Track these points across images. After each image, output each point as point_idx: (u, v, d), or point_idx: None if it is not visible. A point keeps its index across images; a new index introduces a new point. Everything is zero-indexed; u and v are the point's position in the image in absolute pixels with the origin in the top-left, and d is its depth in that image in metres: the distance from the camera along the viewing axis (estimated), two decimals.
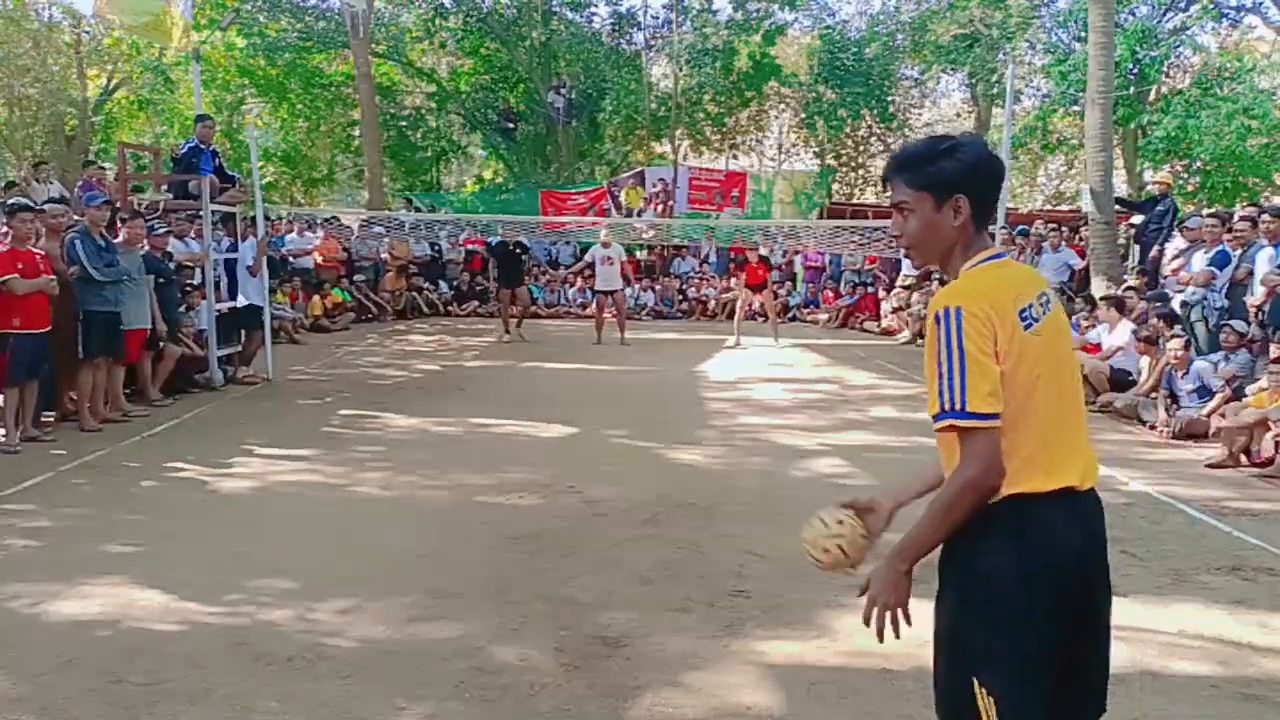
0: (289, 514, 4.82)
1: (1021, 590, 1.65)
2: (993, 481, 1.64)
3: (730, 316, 13.20)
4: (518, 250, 12.33)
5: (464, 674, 3.06)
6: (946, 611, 1.73)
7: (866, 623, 1.75)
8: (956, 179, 1.74)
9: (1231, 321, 7.31)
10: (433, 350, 11.64)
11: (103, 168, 12.65)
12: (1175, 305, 8.34)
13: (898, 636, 1.76)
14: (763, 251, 13.41)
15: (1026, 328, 1.67)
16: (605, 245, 12.14)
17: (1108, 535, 1.81)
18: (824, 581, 3.93)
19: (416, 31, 21.31)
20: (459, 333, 13.19)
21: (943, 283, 2.38)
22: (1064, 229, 11.91)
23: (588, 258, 12.75)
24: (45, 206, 7.00)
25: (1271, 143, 13.69)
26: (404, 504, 5.03)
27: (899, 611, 1.75)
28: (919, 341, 12.62)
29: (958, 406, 1.62)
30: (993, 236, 12.61)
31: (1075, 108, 15.21)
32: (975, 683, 1.67)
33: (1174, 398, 7.22)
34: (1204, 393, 7.01)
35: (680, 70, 19.60)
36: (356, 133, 21.63)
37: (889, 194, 1.85)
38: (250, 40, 19.85)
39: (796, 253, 16.85)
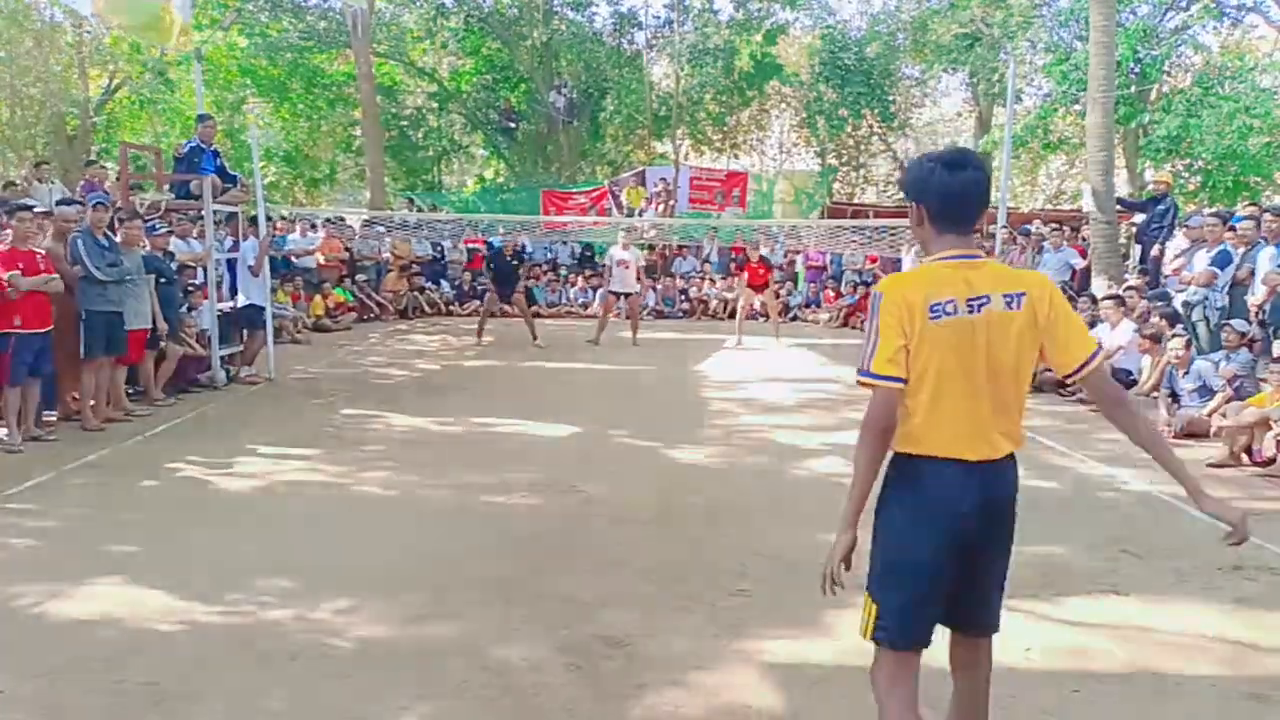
0: (291, 513, 4.82)
1: (902, 528, 2.10)
2: (882, 425, 2.04)
3: (732, 316, 13.20)
4: (515, 261, 12.06)
5: (466, 673, 3.07)
6: (881, 531, 2.17)
7: (834, 582, 2.15)
8: (911, 190, 2.15)
9: (1233, 321, 7.31)
10: (434, 350, 11.64)
11: (104, 167, 12.66)
12: (1177, 304, 8.34)
13: (837, 588, 2.13)
14: (764, 251, 13.36)
15: (934, 319, 2.01)
16: (624, 248, 11.96)
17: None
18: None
19: (418, 31, 21.33)
20: (461, 332, 13.17)
21: None
22: (1065, 228, 11.89)
23: (605, 259, 12.57)
24: (57, 209, 7.00)
25: (1273, 141, 13.67)
26: (405, 503, 5.03)
27: (839, 565, 2.12)
28: None
29: (866, 367, 2.04)
30: (993, 236, 12.70)
31: (1076, 107, 15.19)
32: (867, 593, 2.17)
33: (1175, 397, 7.22)
34: (1205, 392, 7.01)
35: (681, 70, 19.60)
36: (358, 132, 21.64)
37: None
38: (252, 40, 19.86)
39: (797, 252, 16.85)
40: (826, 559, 2.13)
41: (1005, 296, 2.05)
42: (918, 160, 2.18)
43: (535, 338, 11.48)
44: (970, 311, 2.02)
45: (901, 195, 18.80)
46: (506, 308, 12.29)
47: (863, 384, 2.06)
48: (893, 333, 2.01)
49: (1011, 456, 2.13)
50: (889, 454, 2.10)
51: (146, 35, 10.16)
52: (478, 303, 15.33)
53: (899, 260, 14.60)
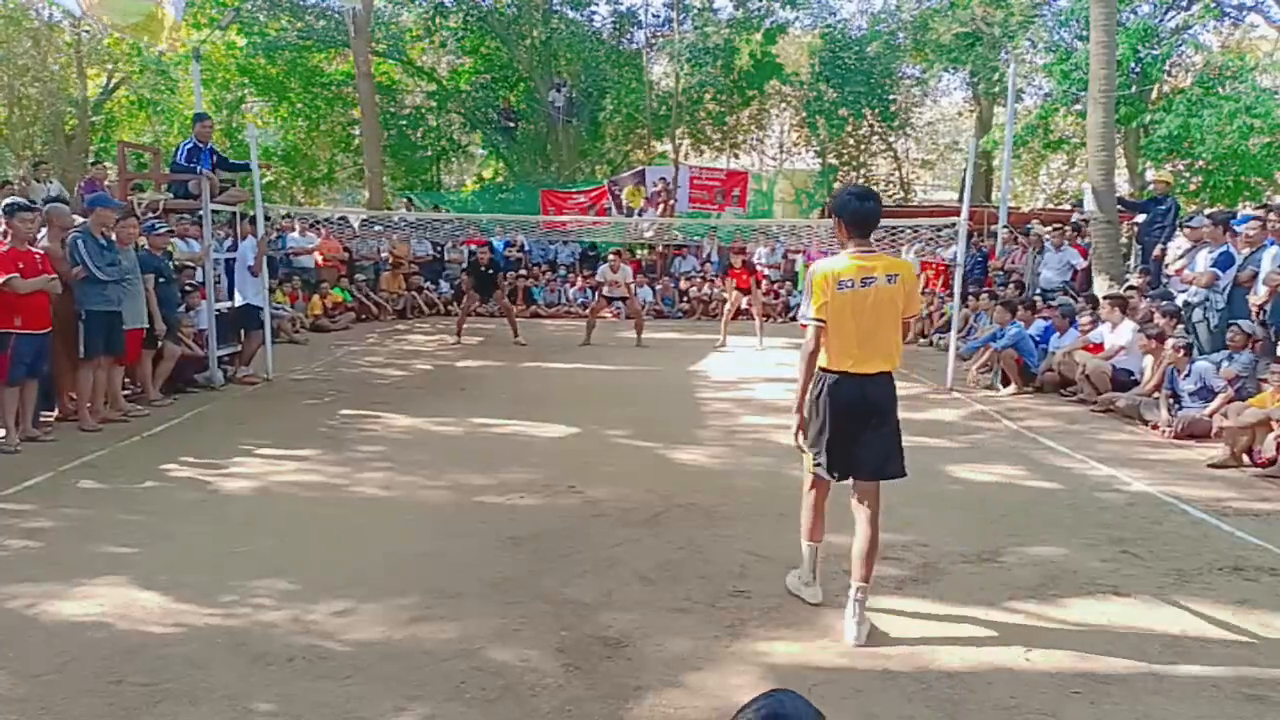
0: (289, 514, 4.81)
1: (820, 410, 3.45)
2: (813, 348, 3.42)
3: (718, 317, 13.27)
4: (490, 270, 12.37)
5: (464, 674, 3.06)
6: (809, 418, 3.51)
7: (799, 446, 3.56)
8: (837, 212, 3.53)
9: (1238, 321, 7.29)
10: (433, 350, 11.63)
11: (106, 167, 12.65)
12: (1178, 305, 8.32)
13: (812, 452, 3.50)
14: (748, 258, 13.48)
15: (839, 289, 3.36)
16: (614, 270, 12.27)
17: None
18: (825, 581, 3.93)
19: (416, 30, 21.30)
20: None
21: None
22: (1066, 228, 11.88)
23: (598, 277, 12.85)
24: (47, 207, 6.99)
25: (1273, 142, 13.64)
26: (404, 504, 5.02)
27: (797, 435, 3.54)
28: (920, 341, 12.62)
29: (806, 313, 3.44)
30: (994, 235, 12.68)
31: (1077, 106, 15.17)
32: (809, 451, 3.53)
33: (1176, 398, 7.21)
34: (1206, 393, 6.99)
35: (681, 69, 19.58)
36: (356, 132, 21.61)
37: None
38: (250, 39, 19.84)
39: (798, 252, 16.83)
40: (794, 430, 3.55)
41: (888, 276, 3.39)
42: (841, 192, 3.62)
43: (516, 334, 11.85)
44: (863, 285, 3.36)
45: (900, 195, 18.94)
46: (483, 308, 12.78)
47: (803, 325, 3.44)
48: (819, 294, 3.38)
49: (887, 373, 3.43)
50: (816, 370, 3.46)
51: (138, 34, 10.14)
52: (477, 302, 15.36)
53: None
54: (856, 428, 3.39)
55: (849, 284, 3.34)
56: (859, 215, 3.45)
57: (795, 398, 3.50)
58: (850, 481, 3.50)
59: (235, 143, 20.16)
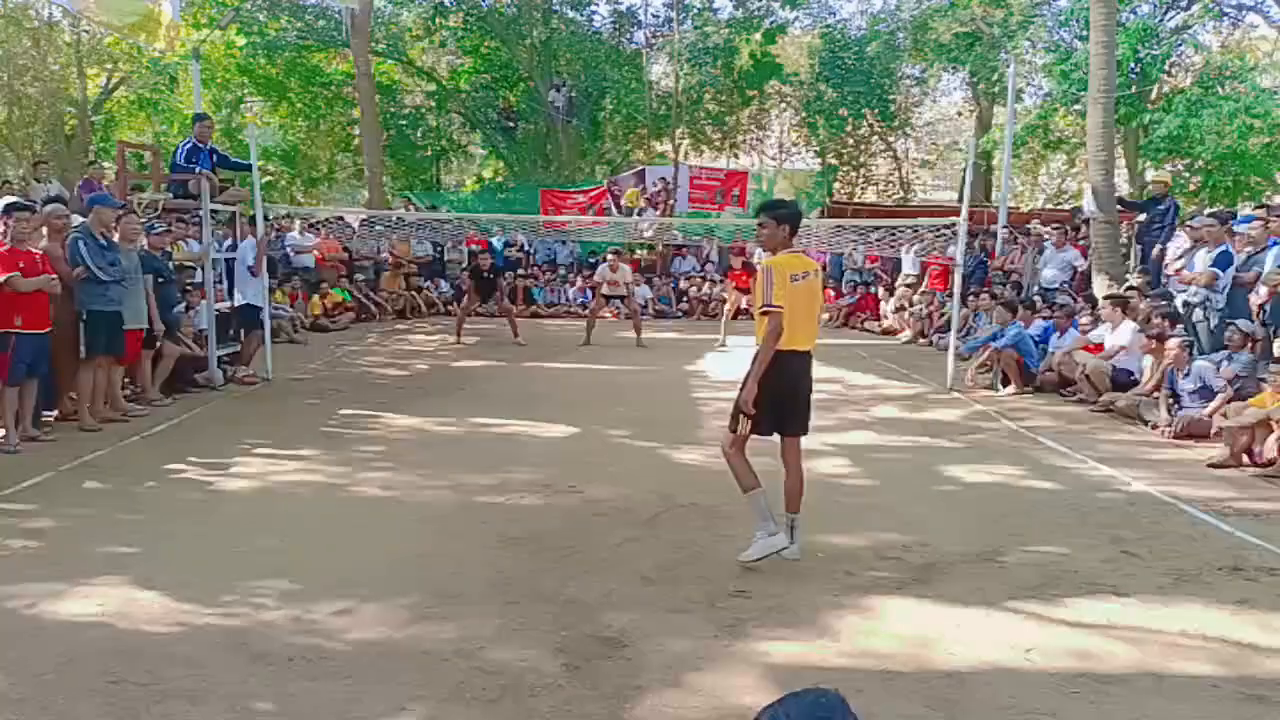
0: (289, 514, 4.81)
1: (772, 382, 4.02)
2: (779, 332, 3.95)
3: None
4: (489, 274, 12.47)
5: (464, 674, 3.06)
6: (745, 383, 4.09)
7: (740, 410, 4.07)
8: (784, 218, 4.17)
9: (1237, 321, 7.29)
10: (433, 350, 11.63)
11: (103, 167, 12.64)
12: (1177, 305, 8.33)
13: (750, 420, 4.06)
14: (748, 259, 13.52)
15: (793, 281, 4.00)
16: (613, 269, 12.31)
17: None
18: (824, 581, 3.93)
19: (416, 30, 21.29)
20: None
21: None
22: (1066, 228, 11.88)
23: (596, 276, 12.90)
24: (47, 208, 6.98)
25: (1273, 142, 13.64)
26: (404, 504, 5.02)
27: (750, 405, 4.02)
28: (920, 341, 12.62)
29: (769, 300, 3.97)
30: (994, 235, 12.67)
31: (1077, 107, 15.17)
32: (741, 416, 4.09)
33: (1176, 397, 7.21)
34: (1205, 393, 6.99)
35: (681, 69, 19.58)
36: (356, 132, 21.59)
37: (760, 220, 4.25)
38: (250, 39, 19.83)
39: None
40: (742, 401, 4.05)
41: (814, 271, 4.19)
42: (791, 204, 4.62)
43: (516, 335, 11.89)
44: (804, 278, 4.08)
45: (900, 195, 18.91)
46: (482, 309, 12.88)
47: (767, 311, 3.98)
48: (779, 286, 3.96)
49: (810, 350, 4.19)
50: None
51: (134, 33, 10.13)
52: (478, 302, 15.38)
53: (900, 260, 14.59)
54: (794, 395, 4.15)
55: (798, 277, 4.02)
56: (799, 221, 4.29)
57: (754, 371, 4.00)
58: (767, 437, 4.24)
59: (235, 143, 20.13)
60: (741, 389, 4.09)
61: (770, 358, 3.95)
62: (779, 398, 4.04)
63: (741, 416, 4.03)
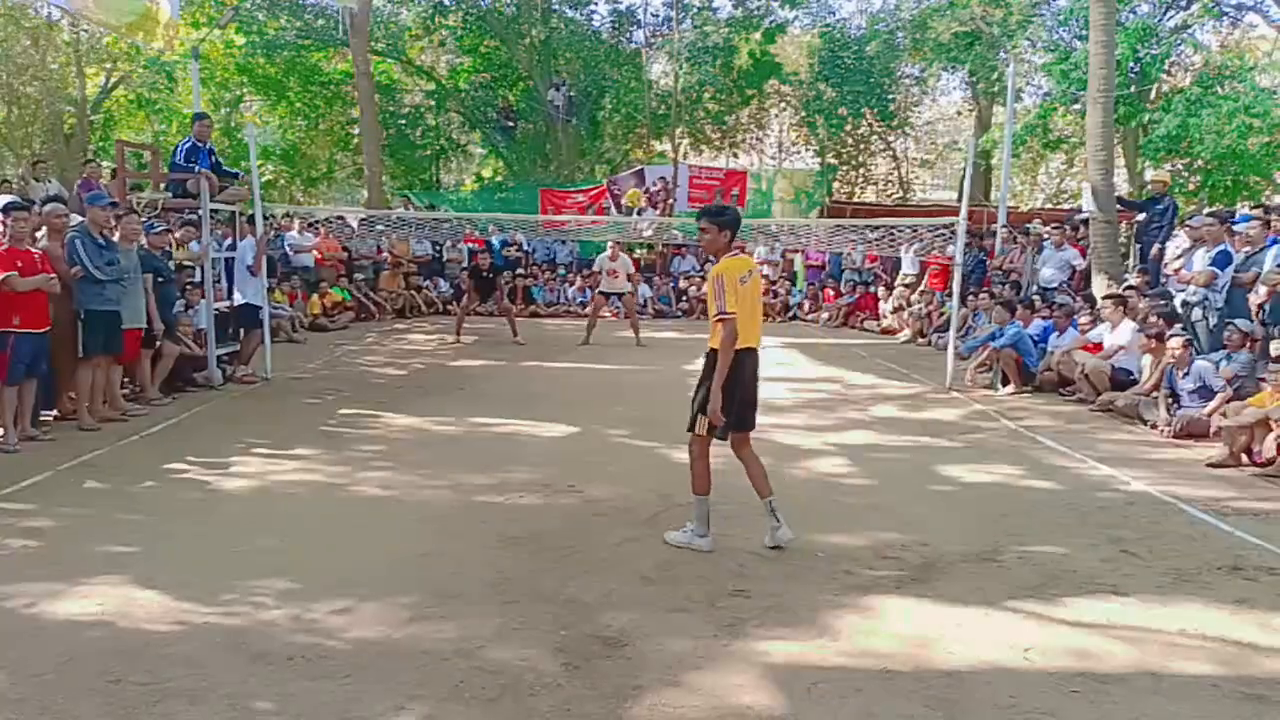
0: (288, 513, 4.81)
1: (736, 383, 4.18)
2: (734, 337, 4.09)
3: None
4: (489, 274, 12.51)
5: (464, 674, 3.06)
6: (705, 386, 4.21)
7: (710, 422, 4.18)
8: (726, 224, 4.28)
9: (1236, 321, 7.30)
10: (432, 349, 11.62)
11: (100, 165, 12.62)
12: (1176, 304, 8.33)
13: (717, 427, 4.19)
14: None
15: (741, 283, 4.14)
16: (613, 258, 12.31)
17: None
18: (824, 581, 3.93)
19: (416, 29, 21.28)
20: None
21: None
22: (1066, 227, 11.88)
23: (595, 265, 12.89)
24: (46, 207, 6.98)
25: (1272, 141, 13.63)
26: (404, 504, 5.02)
27: (718, 413, 4.14)
28: (919, 340, 12.62)
29: (723, 308, 4.09)
30: (993, 235, 12.66)
31: (1076, 106, 15.18)
32: (709, 416, 4.17)
33: (1175, 397, 7.21)
34: (1205, 393, 6.99)
35: (680, 68, 19.57)
36: (355, 131, 21.59)
37: (701, 224, 4.33)
38: (249, 38, 19.82)
39: (797, 251, 16.84)
40: (710, 410, 4.14)
41: (753, 271, 4.34)
42: (729, 208, 4.51)
43: (515, 334, 11.91)
44: (750, 277, 4.26)
45: (899, 195, 18.91)
46: (482, 308, 12.98)
47: (722, 318, 4.11)
48: (731, 292, 4.08)
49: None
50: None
51: (132, 32, 10.10)
52: (477, 302, 15.43)
53: (899, 260, 14.59)
54: (751, 392, 4.35)
55: (745, 278, 4.19)
56: (739, 225, 4.40)
57: (717, 378, 4.11)
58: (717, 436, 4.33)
59: (234, 141, 20.13)
60: (697, 392, 4.27)
61: (728, 364, 4.09)
62: (743, 397, 4.26)
63: (700, 417, 4.19)
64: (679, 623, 3.49)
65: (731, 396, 4.15)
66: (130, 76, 20.98)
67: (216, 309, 8.55)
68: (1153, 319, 7.98)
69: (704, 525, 4.31)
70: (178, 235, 8.68)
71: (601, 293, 12.57)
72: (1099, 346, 8.56)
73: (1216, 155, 13.69)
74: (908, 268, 14.26)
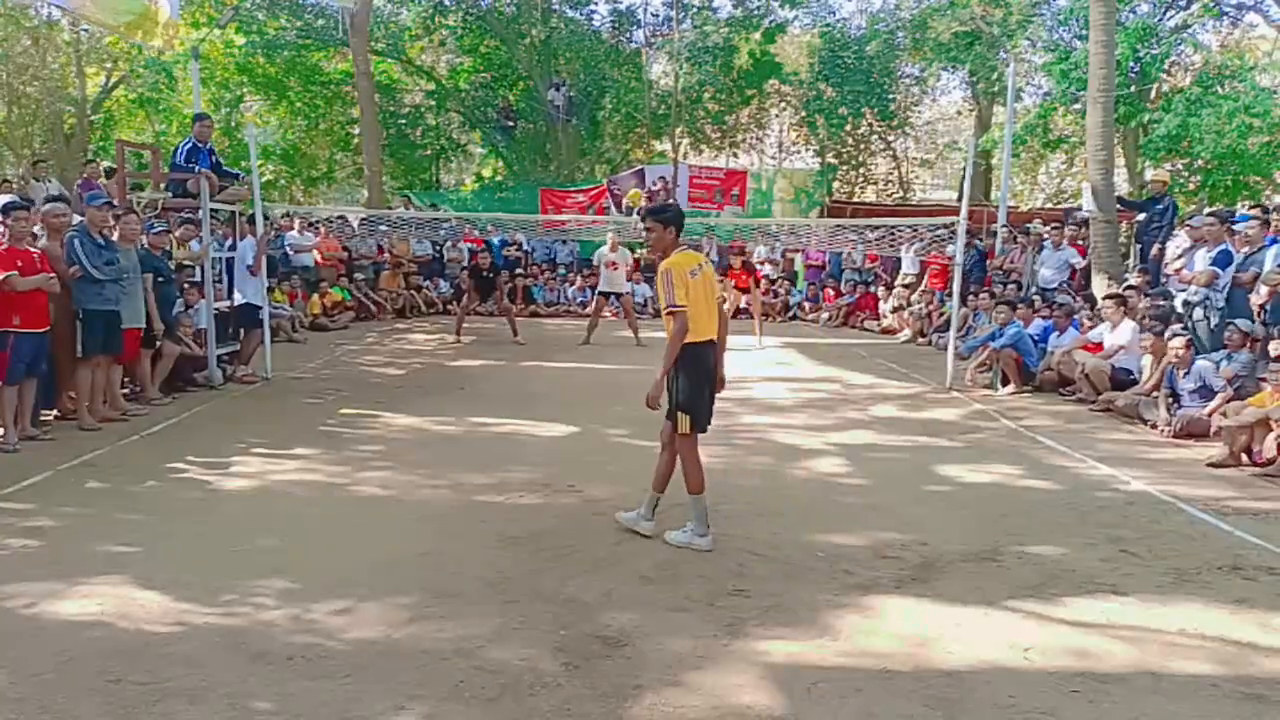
0: (288, 513, 4.81)
1: (693, 375, 4.25)
2: (685, 329, 4.15)
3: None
4: (489, 274, 12.56)
5: (464, 674, 3.06)
6: (676, 383, 4.26)
7: (651, 405, 4.28)
8: (671, 221, 4.38)
9: (1236, 321, 7.30)
10: (432, 349, 11.62)
11: (99, 165, 12.61)
12: (1177, 304, 8.33)
13: (655, 409, 4.29)
14: (747, 258, 13.51)
15: (691, 276, 4.21)
16: (612, 249, 12.32)
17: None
18: (824, 581, 3.93)
19: (416, 29, 21.28)
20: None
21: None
22: (1065, 227, 11.89)
23: (594, 260, 12.89)
24: (45, 206, 6.98)
25: (1273, 141, 13.63)
26: (404, 504, 5.02)
27: (656, 398, 4.24)
28: (920, 340, 12.62)
29: (673, 301, 4.15)
30: (993, 234, 12.66)
31: (1076, 106, 15.18)
32: (682, 412, 4.27)
33: (1175, 397, 7.21)
34: (1205, 392, 6.99)
35: (680, 68, 19.57)
36: (356, 131, 21.59)
37: (647, 224, 4.43)
38: (249, 38, 19.82)
39: (797, 251, 16.84)
40: (653, 393, 4.26)
41: (702, 265, 4.34)
42: (673, 207, 4.60)
43: (515, 334, 11.92)
44: (700, 271, 4.29)
45: (899, 194, 18.92)
46: (482, 308, 13.05)
47: (672, 311, 4.17)
48: (681, 285, 4.16)
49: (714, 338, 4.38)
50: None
51: (131, 32, 10.08)
52: (477, 302, 15.45)
53: (899, 259, 14.59)
54: (710, 384, 4.36)
55: (695, 273, 4.26)
56: (683, 221, 4.50)
57: (664, 367, 4.22)
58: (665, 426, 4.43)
59: (234, 141, 20.13)
60: (668, 392, 4.33)
61: (678, 353, 4.17)
62: (704, 388, 4.31)
63: (681, 415, 4.26)
64: (679, 622, 3.49)
65: (697, 388, 4.24)
66: (130, 77, 20.99)
67: (217, 309, 8.55)
68: (1147, 320, 7.98)
69: (703, 524, 4.32)
70: (176, 234, 8.66)
71: (602, 293, 12.59)
72: (1099, 346, 8.56)
73: (1216, 155, 13.69)
74: (908, 267, 14.26)
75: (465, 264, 15.45)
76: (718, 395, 4.48)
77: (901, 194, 24.88)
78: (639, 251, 17.77)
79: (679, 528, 4.40)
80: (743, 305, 13.30)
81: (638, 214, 17.90)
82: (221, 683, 2.97)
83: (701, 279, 4.26)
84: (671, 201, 4.27)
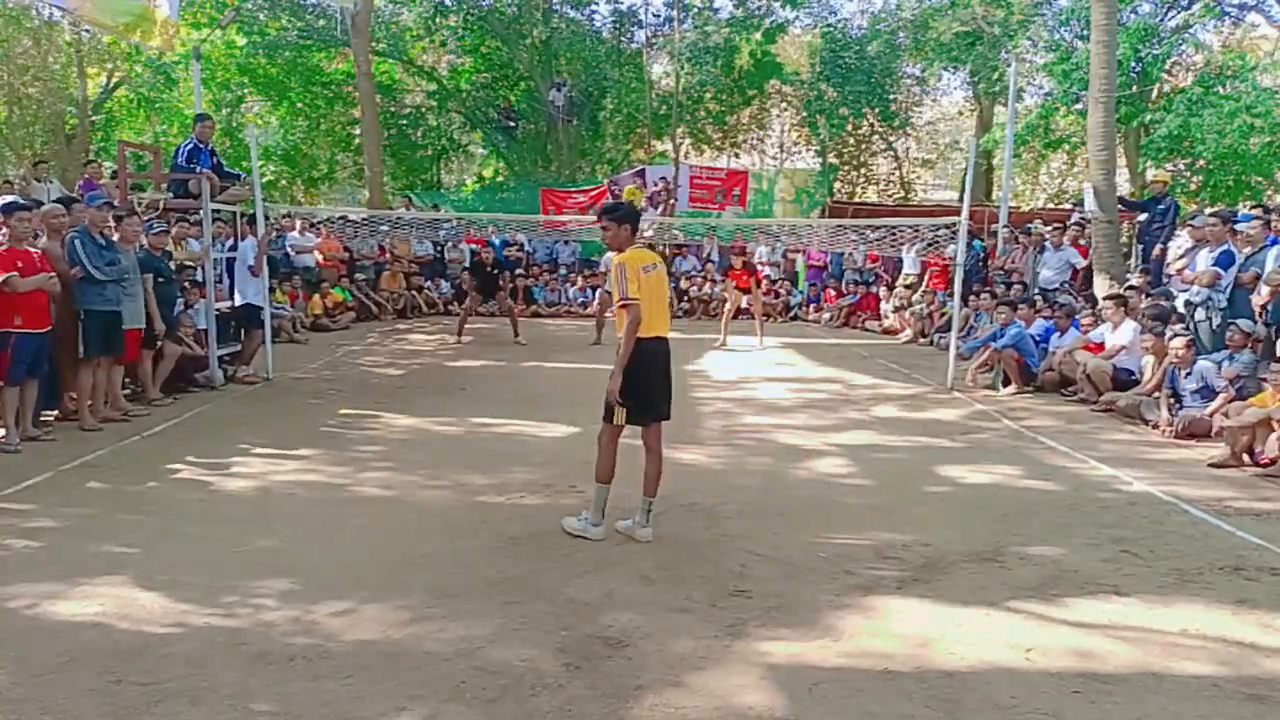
0: (289, 514, 4.81)
1: (636, 370, 4.28)
2: (638, 322, 4.22)
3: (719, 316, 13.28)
4: (494, 270, 12.62)
5: (464, 674, 3.06)
6: (625, 379, 4.27)
7: (607, 401, 4.33)
8: (625, 219, 4.44)
9: (1238, 321, 7.29)
10: (433, 349, 11.62)
11: (101, 165, 12.62)
12: (1179, 304, 8.32)
13: (621, 406, 4.29)
14: (748, 259, 13.47)
15: (645, 272, 4.31)
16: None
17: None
18: (825, 581, 3.93)
19: (417, 30, 21.28)
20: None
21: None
22: (1069, 227, 11.88)
23: (601, 264, 12.88)
24: (44, 207, 6.98)
25: (1274, 141, 13.61)
26: (404, 504, 5.02)
27: (616, 394, 4.26)
28: (921, 341, 12.61)
29: (625, 294, 4.24)
30: (994, 234, 12.66)
31: (1077, 106, 15.17)
32: (620, 403, 4.27)
33: (1177, 397, 7.20)
34: (1207, 393, 6.99)
35: (681, 68, 19.58)
36: (357, 131, 21.60)
37: (603, 223, 4.46)
38: (250, 39, 19.83)
39: (798, 251, 16.83)
40: (609, 392, 4.28)
41: (656, 264, 4.45)
42: (626, 204, 4.75)
43: (517, 334, 11.94)
44: (654, 269, 4.39)
45: (901, 195, 18.91)
46: (484, 308, 13.09)
47: (625, 305, 4.24)
48: (633, 280, 4.25)
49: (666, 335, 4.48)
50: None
51: (129, 33, 10.08)
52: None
53: (900, 260, 14.59)
54: (661, 380, 4.42)
55: (647, 270, 4.34)
56: (638, 219, 4.58)
57: (619, 362, 4.27)
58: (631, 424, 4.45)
59: (235, 142, 20.14)
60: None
61: (633, 347, 4.24)
62: (650, 384, 4.35)
63: (616, 407, 4.30)
64: (680, 623, 3.49)
65: (635, 383, 4.27)
66: (131, 77, 21.00)
67: (218, 309, 8.55)
68: (1147, 320, 7.97)
69: (599, 514, 4.41)
70: (173, 233, 8.66)
71: (606, 291, 12.61)
72: (1100, 347, 8.56)
73: (1218, 155, 13.68)
74: (909, 268, 14.25)
75: (466, 264, 15.48)
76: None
77: (903, 194, 24.87)
78: None
79: (576, 514, 4.54)
80: (743, 305, 13.29)
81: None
82: (222, 683, 2.97)
83: (654, 277, 4.35)
84: (623, 201, 4.44)
